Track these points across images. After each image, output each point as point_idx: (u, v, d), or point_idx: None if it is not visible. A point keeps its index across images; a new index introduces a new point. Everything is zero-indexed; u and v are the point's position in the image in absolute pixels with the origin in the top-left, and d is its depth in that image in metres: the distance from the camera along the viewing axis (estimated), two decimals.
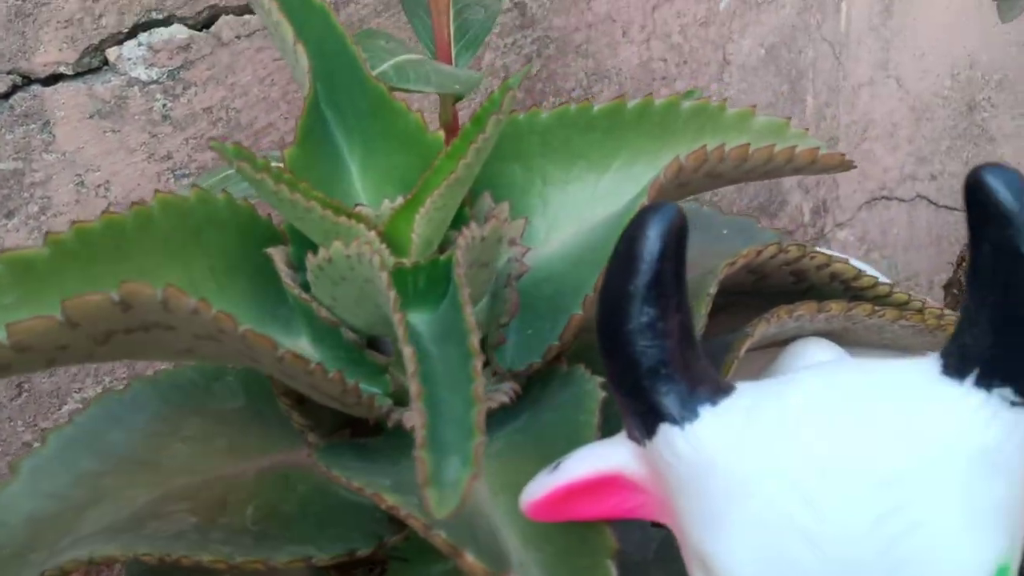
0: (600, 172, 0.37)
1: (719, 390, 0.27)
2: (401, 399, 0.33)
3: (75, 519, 0.34)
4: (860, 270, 0.39)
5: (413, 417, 0.22)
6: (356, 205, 0.34)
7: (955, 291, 0.73)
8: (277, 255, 0.32)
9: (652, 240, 0.26)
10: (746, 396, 0.27)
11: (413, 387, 0.23)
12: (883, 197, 1.00)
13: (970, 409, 0.25)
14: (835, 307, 0.39)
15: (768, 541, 0.24)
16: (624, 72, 0.79)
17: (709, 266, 0.37)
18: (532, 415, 0.34)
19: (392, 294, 0.25)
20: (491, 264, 0.32)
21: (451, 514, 0.21)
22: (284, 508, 0.34)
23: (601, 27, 0.77)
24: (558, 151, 0.36)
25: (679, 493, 0.27)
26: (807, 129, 0.39)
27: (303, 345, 0.34)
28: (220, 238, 0.33)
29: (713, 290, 0.35)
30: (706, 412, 0.26)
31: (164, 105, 0.58)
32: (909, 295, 0.41)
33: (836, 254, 0.42)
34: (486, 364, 0.35)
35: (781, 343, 0.41)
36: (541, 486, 0.28)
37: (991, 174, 0.24)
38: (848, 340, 0.42)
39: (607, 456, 0.28)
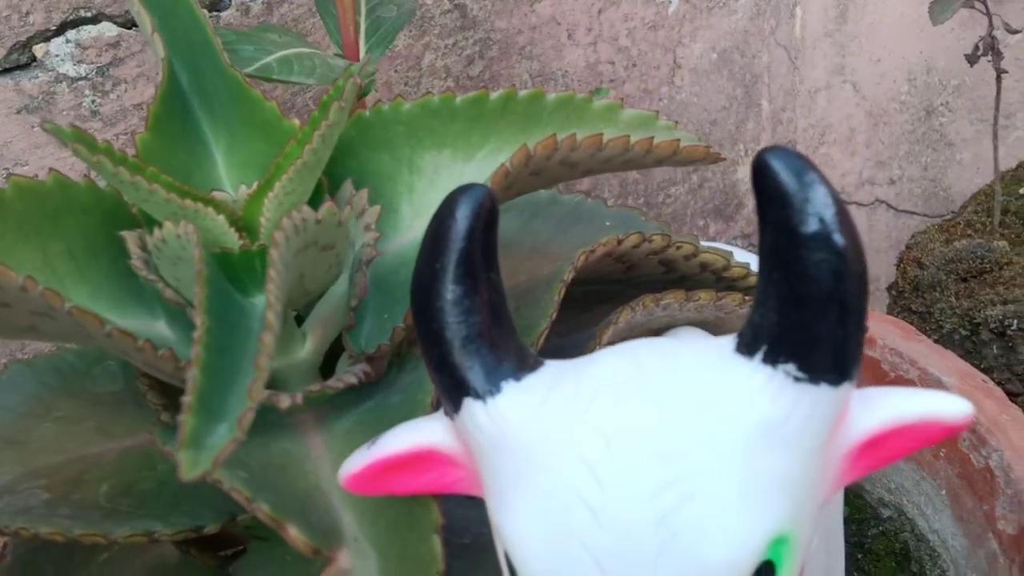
0: (466, 161, 0.37)
1: (526, 367, 0.27)
2: None
3: None
4: (730, 261, 0.40)
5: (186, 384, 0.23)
6: (212, 190, 0.35)
7: (894, 292, 0.74)
8: (130, 238, 0.33)
9: (459, 221, 0.27)
10: (551, 372, 0.27)
11: (193, 353, 0.24)
12: None
13: (756, 385, 0.25)
14: (704, 296, 0.39)
15: (552, 511, 0.25)
16: (571, 74, 0.80)
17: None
18: (384, 396, 0.34)
19: (200, 267, 0.26)
20: (337, 247, 0.33)
21: (199, 477, 0.21)
22: (141, 486, 0.34)
23: (545, 29, 0.77)
24: (423, 140, 0.37)
25: (482, 466, 0.27)
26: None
27: (161, 327, 0.35)
28: (81, 222, 0.34)
29: (568, 277, 0.36)
30: (509, 387, 0.27)
31: (93, 101, 0.59)
32: None
33: (722, 246, 0.43)
34: (342, 349, 0.36)
35: (656, 333, 0.42)
36: (357, 461, 0.29)
37: (775, 157, 0.25)
38: (724, 330, 0.42)
39: (422, 431, 0.29)
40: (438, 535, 0.30)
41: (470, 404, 0.27)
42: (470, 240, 0.27)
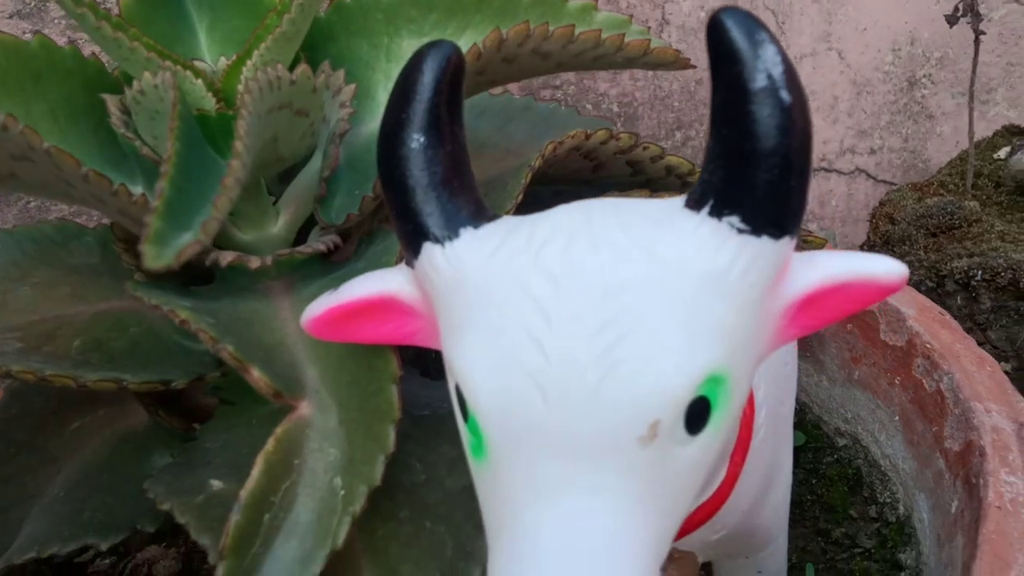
0: None
1: (484, 217, 0.29)
2: (218, 240, 0.35)
3: None
4: (695, 166, 0.41)
5: (154, 196, 0.24)
6: (193, 59, 0.36)
7: (865, 247, 0.75)
8: (111, 100, 0.34)
9: (426, 73, 0.28)
10: (507, 223, 0.28)
11: (162, 170, 0.25)
12: (822, 169, 1.01)
13: (701, 236, 0.27)
14: (668, 197, 0.40)
15: (500, 345, 0.26)
16: None
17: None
18: (352, 265, 0.35)
19: (175, 103, 0.27)
20: (312, 116, 0.34)
21: (160, 267, 0.23)
22: (113, 345, 0.35)
23: None
24: (402, 29, 0.38)
25: (439, 309, 0.28)
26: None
27: (138, 190, 0.36)
28: (64, 86, 0.35)
29: (535, 163, 0.37)
30: (467, 233, 0.28)
31: None
32: None
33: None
34: (315, 223, 0.37)
35: None
36: (320, 305, 0.30)
37: (728, 16, 0.26)
38: None
39: (384, 280, 0.30)
40: (396, 385, 0.31)
41: (429, 248, 0.28)
42: (436, 92, 0.28)
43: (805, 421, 0.58)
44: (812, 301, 0.28)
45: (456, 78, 0.29)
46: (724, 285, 0.26)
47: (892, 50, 0.98)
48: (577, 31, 0.36)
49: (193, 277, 0.37)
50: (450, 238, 0.28)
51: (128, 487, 0.38)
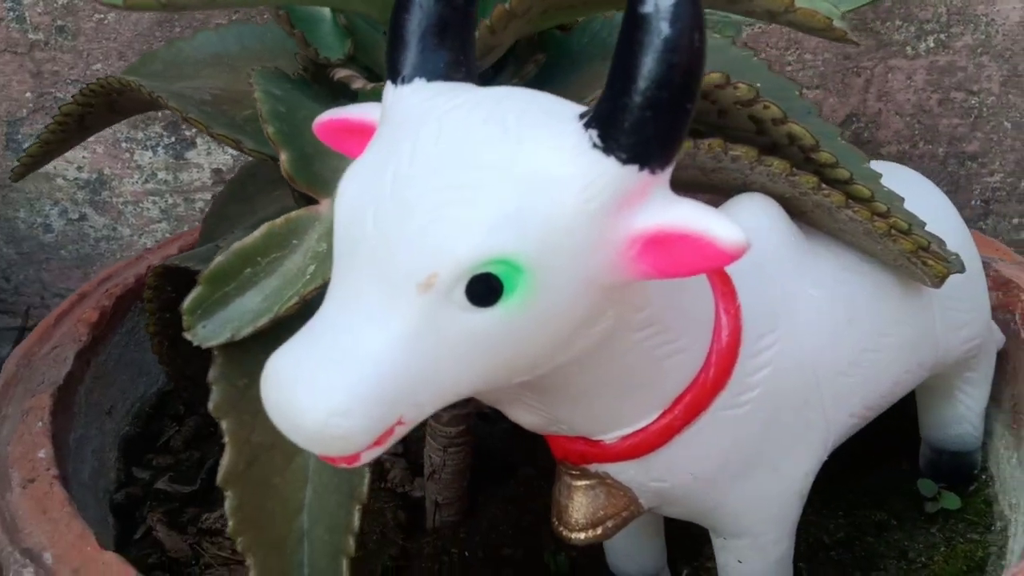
0: None
1: (444, 76, 0.32)
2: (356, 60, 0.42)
3: (177, 80, 0.47)
4: (820, 142, 0.39)
5: None
6: None
7: None
8: None
9: None
10: (458, 87, 0.31)
11: None
12: None
13: (567, 143, 0.28)
14: (777, 165, 0.39)
15: (372, 168, 0.30)
16: (997, 24, 0.74)
17: None
18: None
19: None
20: None
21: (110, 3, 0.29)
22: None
23: None
24: None
25: None
26: None
27: None
28: None
29: None
30: (419, 82, 0.31)
31: None
32: (873, 192, 0.39)
33: (891, 166, 0.41)
34: None
35: (730, 190, 0.42)
36: (327, 114, 0.35)
37: None
38: (802, 213, 0.41)
39: (370, 109, 0.34)
40: None
41: (388, 85, 0.32)
42: None
43: (981, 494, 0.51)
44: (660, 242, 0.28)
45: None
46: (561, 190, 0.28)
47: None
48: None
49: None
50: (404, 81, 0.32)
51: None
